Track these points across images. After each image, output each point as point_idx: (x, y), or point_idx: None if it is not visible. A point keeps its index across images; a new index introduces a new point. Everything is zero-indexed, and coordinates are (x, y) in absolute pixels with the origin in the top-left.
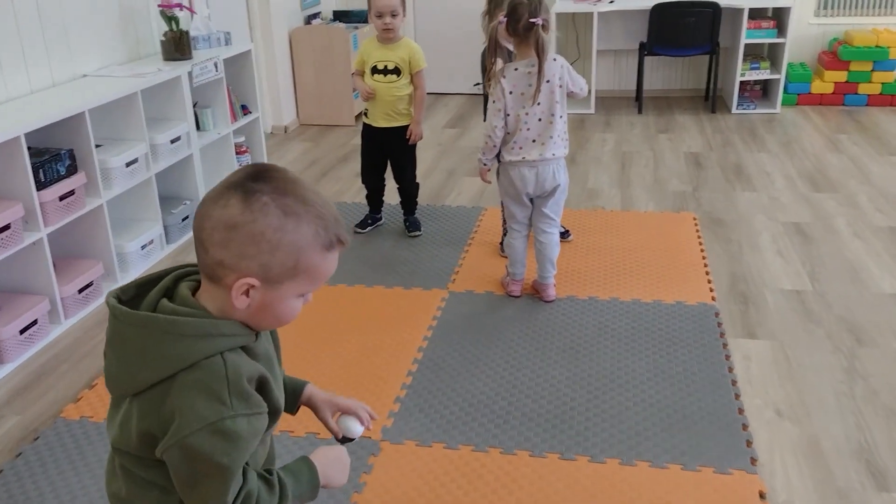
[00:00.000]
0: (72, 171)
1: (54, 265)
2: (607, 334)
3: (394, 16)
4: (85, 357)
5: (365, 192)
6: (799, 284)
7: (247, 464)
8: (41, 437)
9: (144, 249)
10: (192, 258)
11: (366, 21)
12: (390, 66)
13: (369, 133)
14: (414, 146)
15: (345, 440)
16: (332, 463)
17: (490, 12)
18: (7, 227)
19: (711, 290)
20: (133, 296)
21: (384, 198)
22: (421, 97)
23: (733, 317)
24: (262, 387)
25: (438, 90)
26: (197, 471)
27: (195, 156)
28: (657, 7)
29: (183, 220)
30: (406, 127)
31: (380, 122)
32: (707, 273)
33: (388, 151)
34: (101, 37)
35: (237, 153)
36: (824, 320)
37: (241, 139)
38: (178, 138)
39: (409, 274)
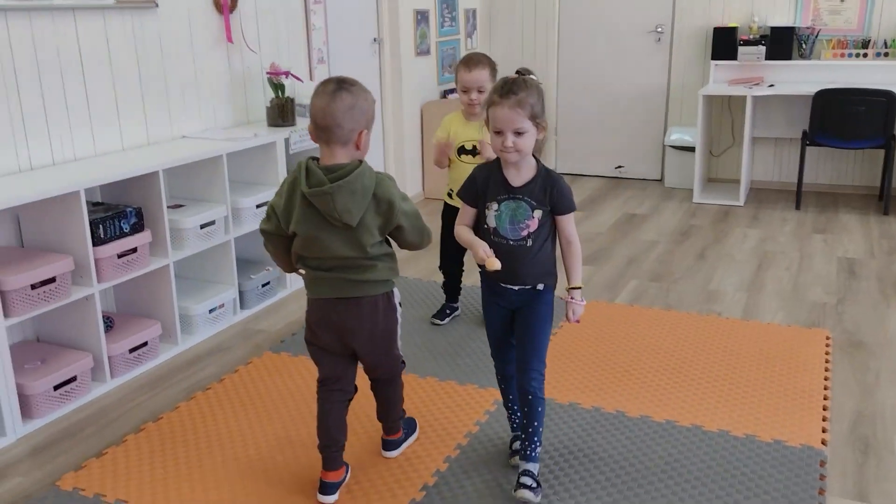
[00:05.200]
0: (137, 228)
1: (112, 322)
2: (676, 471)
3: (480, 91)
4: (115, 420)
5: (442, 279)
6: None
7: None
8: None
9: (213, 313)
10: (264, 325)
11: None
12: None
13: (452, 215)
14: None
15: None
16: None
17: None
18: (52, 280)
19: (824, 431)
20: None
21: (461, 284)
22: None
23: (846, 469)
24: None
25: (575, 171)
26: (413, 217)
27: None
28: (821, 93)
29: (263, 286)
30: None
31: None
32: (825, 408)
33: None
34: (206, 101)
35: None
36: None
37: None
38: (264, 203)
39: (469, 367)
